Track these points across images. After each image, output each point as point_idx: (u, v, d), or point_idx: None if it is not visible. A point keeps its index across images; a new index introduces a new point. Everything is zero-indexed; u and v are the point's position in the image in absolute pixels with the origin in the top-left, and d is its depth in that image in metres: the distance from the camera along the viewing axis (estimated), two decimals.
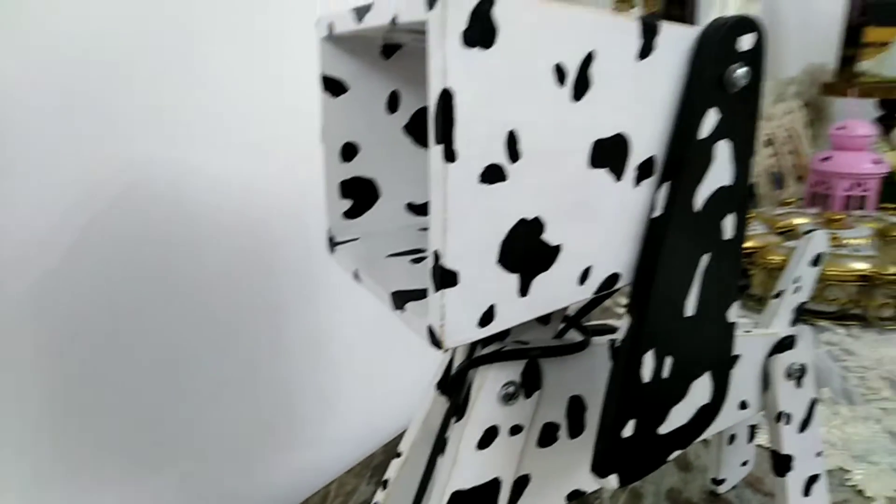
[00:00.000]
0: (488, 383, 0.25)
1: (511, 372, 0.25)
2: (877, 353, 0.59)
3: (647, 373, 0.23)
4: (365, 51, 0.26)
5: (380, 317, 0.50)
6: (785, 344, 0.34)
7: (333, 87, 0.26)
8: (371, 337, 0.50)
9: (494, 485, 0.26)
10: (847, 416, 0.49)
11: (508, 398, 0.25)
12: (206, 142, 0.37)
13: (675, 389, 0.24)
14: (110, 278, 0.33)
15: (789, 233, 0.78)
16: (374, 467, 0.46)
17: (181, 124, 0.35)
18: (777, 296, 0.36)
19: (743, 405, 0.34)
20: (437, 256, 0.18)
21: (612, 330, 0.30)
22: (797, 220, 0.81)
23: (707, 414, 0.26)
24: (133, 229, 0.34)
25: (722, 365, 0.26)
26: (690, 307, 0.24)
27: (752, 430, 0.41)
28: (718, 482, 0.41)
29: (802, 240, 0.35)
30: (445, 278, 0.18)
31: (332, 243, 0.28)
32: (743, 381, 0.34)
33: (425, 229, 0.29)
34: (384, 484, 0.30)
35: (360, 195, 0.28)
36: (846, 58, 1.24)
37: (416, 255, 0.26)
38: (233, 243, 0.39)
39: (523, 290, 0.20)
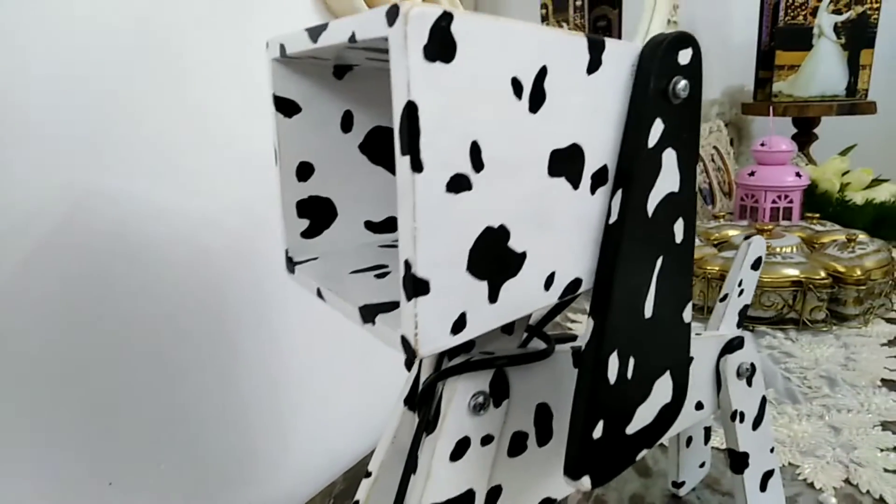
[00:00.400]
0: (458, 395, 0.25)
1: (480, 382, 0.26)
2: (813, 354, 0.62)
3: (612, 374, 0.24)
4: (316, 71, 0.27)
5: (333, 343, 0.49)
6: (734, 344, 0.35)
7: (286, 107, 0.26)
8: (324, 365, 0.49)
9: (469, 496, 0.26)
10: (792, 414, 0.52)
11: (478, 408, 0.26)
12: (149, 170, 0.36)
13: (639, 390, 0.25)
14: (49, 311, 0.32)
15: (724, 244, 0.82)
16: (336, 496, 0.45)
17: (123, 152, 0.35)
18: (723, 299, 0.37)
19: (699, 406, 0.35)
20: (408, 266, 0.18)
21: (573, 338, 0.31)
22: (730, 232, 0.85)
23: (669, 412, 0.27)
24: (73, 261, 0.33)
25: (681, 364, 0.27)
26: (649, 309, 0.24)
27: (708, 431, 0.43)
28: (678, 485, 0.42)
29: (742, 245, 0.37)
30: (418, 287, 0.18)
31: (291, 263, 0.27)
32: (697, 382, 0.35)
33: (385, 246, 0.29)
34: None
35: (317, 214, 0.28)
36: (761, 80, 1.32)
37: (379, 270, 0.26)
38: (178, 275, 0.38)
39: (493, 297, 0.21)
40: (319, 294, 0.25)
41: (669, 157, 0.24)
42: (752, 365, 0.36)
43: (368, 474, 0.29)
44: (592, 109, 0.22)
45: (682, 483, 0.42)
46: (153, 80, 0.36)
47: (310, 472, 0.47)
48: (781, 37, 1.23)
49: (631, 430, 0.25)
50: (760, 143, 0.97)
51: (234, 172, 0.40)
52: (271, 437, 0.45)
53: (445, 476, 0.25)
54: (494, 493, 0.28)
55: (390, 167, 0.29)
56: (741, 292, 0.37)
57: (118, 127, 0.34)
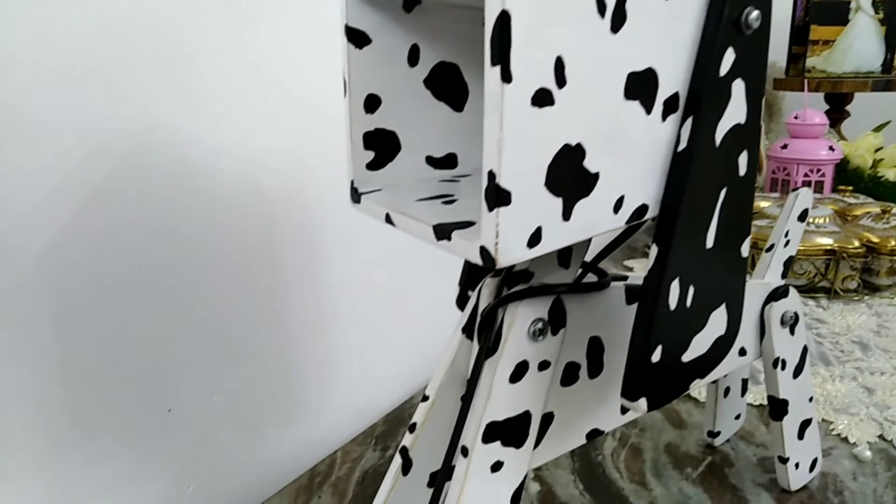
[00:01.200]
0: (519, 320, 0.26)
1: (539, 309, 0.27)
2: (845, 321, 0.62)
3: (672, 301, 0.24)
4: (387, 3, 0.27)
5: (375, 296, 0.51)
6: (779, 293, 0.36)
7: (357, 38, 0.27)
8: (367, 316, 0.50)
9: (525, 417, 0.27)
10: (825, 375, 0.52)
11: (537, 334, 0.26)
12: (208, 111, 0.37)
13: (696, 319, 0.26)
14: (114, 245, 0.33)
15: (756, 214, 0.82)
16: (377, 436, 0.46)
17: (184, 93, 0.36)
18: (769, 250, 0.38)
19: (742, 351, 0.36)
20: (492, 176, 0.19)
21: (625, 278, 0.31)
22: (762, 203, 0.85)
23: (722, 345, 0.28)
24: (138, 192, 0.34)
25: (736, 298, 0.27)
26: (710, 239, 0.25)
27: (745, 384, 0.43)
28: (714, 434, 0.43)
29: (790, 196, 0.37)
30: (500, 197, 0.19)
31: (357, 193, 0.28)
32: (742, 328, 0.36)
33: (446, 181, 0.30)
34: (411, 428, 0.30)
35: (382, 147, 0.29)
36: (795, 55, 1.30)
37: (445, 199, 0.27)
38: (235, 218, 0.39)
39: (566, 215, 0.21)
40: (388, 220, 0.26)
41: (738, 87, 0.24)
42: (796, 314, 0.37)
43: (426, 398, 0.30)
44: (668, 35, 0.22)
45: (718, 433, 0.43)
46: (218, 27, 0.36)
47: (352, 415, 0.48)
48: (817, 11, 1.21)
49: (687, 358, 0.26)
50: (794, 115, 0.97)
51: (285, 121, 0.41)
52: (317, 379, 0.47)
53: (505, 396, 0.26)
54: (547, 419, 0.29)
55: (453, 103, 0.30)
56: (787, 243, 0.38)
57: (180, 68, 0.35)
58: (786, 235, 0.37)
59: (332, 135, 0.44)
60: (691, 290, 0.25)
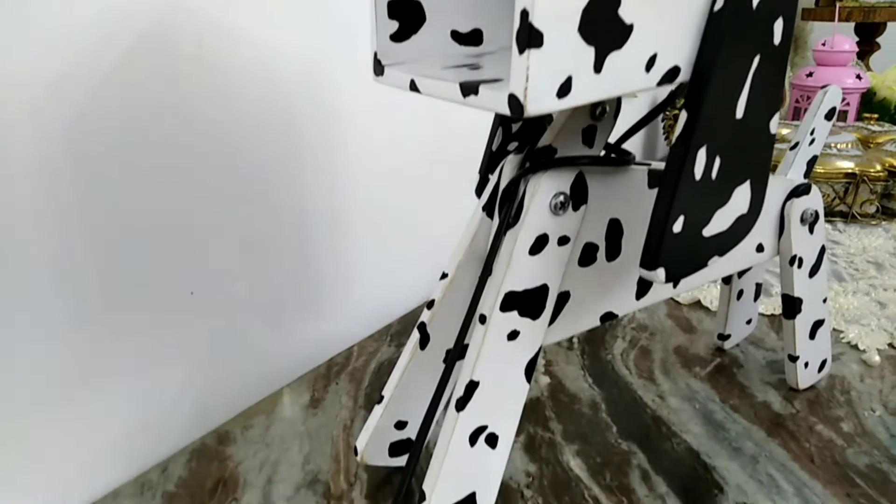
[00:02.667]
0: (541, 191, 0.26)
1: (562, 183, 0.26)
2: (861, 243, 0.62)
3: (698, 170, 0.24)
4: None
5: (394, 201, 0.51)
6: (801, 190, 0.36)
7: None
8: (386, 220, 0.50)
9: (543, 290, 0.27)
10: (838, 290, 0.52)
11: (558, 208, 0.26)
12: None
13: (720, 193, 0.26)
14: (134, 123, 0.33)
15: (777, 141, 0.80)
16: (392, 334, 0.47)
17: None
18: (793, 147, 0.37)
19: (759, 248, 0.36)
20: (524, 15, 0.19)
21: (648, 164, 0.31)
22: (784, 131, 0.83)
23: (743, 224, 0.28)
24: (153, 75, 0.33)
25: (761, 176, 0.27)
26: (740, 109, 0.25)
27: (758, 288, 0.43)
28: (724, 337, 0.43)
29: (819, 94, 0.37)
30: (532, 38, 0.19)
31: (380, 66, 0.28)
32: (760, 224, 0.35)
33: (471, 56, 0.29)
34: (430, 304, 0.31)
35: (406, 17, 0.28)
36: None
37: (471, 66, 0.26)
38: (253, 108, 0.38)
39: (598, 66, 0.21)
40: (413, 86, 0.25)
41: None
42: (816, 212, 0.36)
43: (444, 276, 0.31)
44: None
45: (728, 336, 0.43)
46: None
47: (369, 315, 0.49)
48: None
49: (707, 232, 0.26)
50: (822, 42, 0.94)
51: (302, 14, 0.40)
52: (335, 278, 0.47)
53: (524, 267, 0.26)
54: (563, 297, 0.29)
55: None
56: (812, 141, 0.37)
57: None
58: (811, 133, 0.37)
59: (351, 34, 0.43)
60: (717, 162, 0.25)
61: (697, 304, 0.51)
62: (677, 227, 0.24)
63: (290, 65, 0.40)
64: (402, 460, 0.33)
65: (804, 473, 0.33)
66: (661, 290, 0.33)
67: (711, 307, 0.50)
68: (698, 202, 0.25)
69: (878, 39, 1.25)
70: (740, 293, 0.42)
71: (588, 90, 0.21)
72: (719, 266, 0.35)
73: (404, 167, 0.50)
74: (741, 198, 0.27)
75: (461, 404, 0.27)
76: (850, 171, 0.67)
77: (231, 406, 0.39)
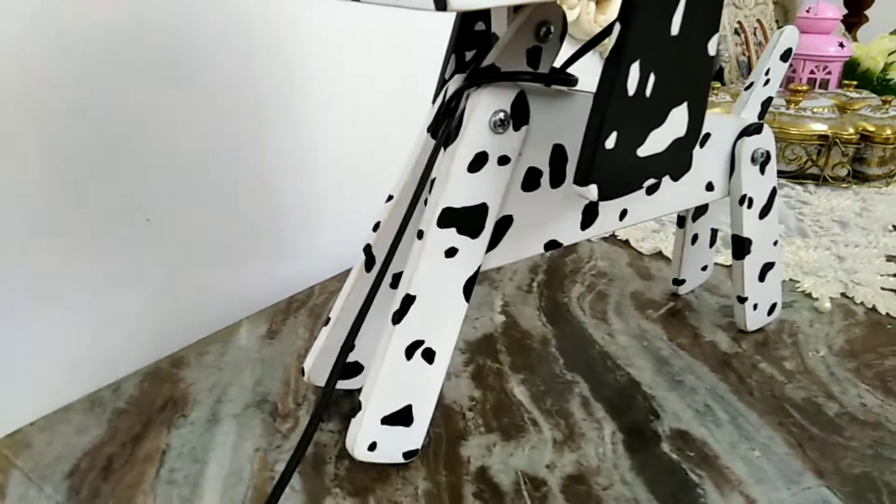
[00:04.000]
0: (480, 108, 0.26)
1: (502, 101, 0.27)
2: (829, 204, 0.63)
3: (631, 85, 0.24)
4: None
5: (357, 147, 0.51)
6: (752, 129, 0.36)
7: None
8: (349, 166, 0.50)
9: (482, 209, 0.28)
10: (800, 244, 0.53)
11: (498, 125, 0.27)
12: None
13: (655, 111, 0.26)
14: (94, 50, 0.33)
15: None
16: None
17: None
18: (748, 88, 0.37)
19: (709, 186, 0.36)
20: None
21: None
22: None
23: (681, 148, 0.28)
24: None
25: (699, 98, 0.27)
26: (675, 26, 0.25)
27: (714, 234, 0.44)
28: (679, 282, 0.44)
29: (775, 34, 0.37)
30: None
31: None
32: (710, 162, 0.36)
33: None
34: (375, 227, 0.31)
35: None
36: None
37: None
38: (214, 45, 0.38)
39: None
40: None
41: None
42: (768, 153, 0.37)
43: (390, 198, 0.31)
44: None
45: (683, 281, 0.44)
46: None
47: (331, 258, 0.49)
48: None
49: (643, 152, 0.26)
50: (806, 9, 0.93)
51: None
52: (298, 221, 0.47)
53: (463, 184, 0.27)
54: (505, 221, 0.29)
55: None
56: (767, 82, 0.37)
57: None
58: (766, 74, 0.37)
59: None
60: (652, 78, 0.25)
61: (659, 255, 0.51)
62: (610, 143, 0.25)
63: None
64: (350, 383, 0.34)
65: (741, 405, 0.33)
66: (607, 221, 0.33)
67: (671, 254, 0.51)
68: (632, 120, 0.25)
69: (867, 12, 1.24)
70: (695, 238, 0.43)
71: None
72: (666, 201, 0.35)
73: (370, 108, 0.50)
74: (678, 120, 0.27)
75: (397, 317, 0.27)
76: (823, 133, 0.68)
77: (188, 335, 0.40)
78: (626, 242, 0.53)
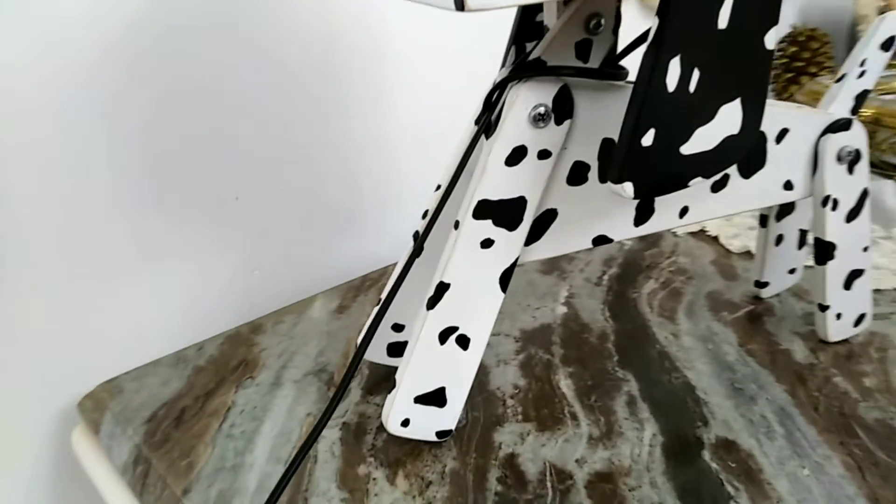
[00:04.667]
0: (520, 101, 0.27)
1: (543, 94, 0.27)
2: None
3: (671, 81, 0.24)
4: None
5: (440, 132, 0.52)
6: (839, 125, 0.33)
7: None
8: (432, 150, 0.52)
9: (520, 202, 0.28)
10: None
11: (538, 119, 0.27)
12: None
13: (701, 108, 0.25)
14: (188, 44, 0.36)
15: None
16: None
17: None
18: (840, 80, 0.34)
19: (788, 185, 0.34)
20: None
21: None
22: None
23: (734, 147, 0.27)
24: None
25: (755, 95, 0.26)
26: (724, 19, 0.24)
27: (803, 235, 0.41)
28: (761, 285, 0.42)
29: (875, 21, 0.33)
30: None
31: None
32: (789, 159, 0.34)
33: None
34: (424, 215, 0.32)
35: None
36: None
37: None
38: (306, 26, 0.41)
39: None
40: None
41: None
42: (857, 152, 0.34)
43: (438, 187, 0.32)
44: None
45: (766, 284, 0.41)
46: None
47: (404, 241, 0.51)
48: None
49: (687, 150, 0.25)
50: None
51: None
52: (379, 201, 0.50)
53: (499, 177, 0.27)
54: (549, 215, 0.30)
55: None
56: (862, 73, 0.34)
57: None
58: (861, 65, 0.34)
59: None
60: (696, 74, 0.24)
61: (748, 254, 0.48)
62: (647, 140, 0.24)
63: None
64: (399, 361, 0.35)
65: (802, 419, 0.31)
66: (664, 218, 0.32)
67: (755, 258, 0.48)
68: (674, 117, 0.24)
69: None
70: (779, 238, 0.40)
71: None
72: (736, 199, 0.33)
73: (452, 94, 0.51)
74: (730, 117, 0.26)
75: (431, 303, 0.28)
76: None
77: (268, 304, 0.43)
78: (716, 239, 0.51)
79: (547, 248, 0.30)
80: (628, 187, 0.25)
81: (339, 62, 0.44)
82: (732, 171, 0.33)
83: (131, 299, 0.38)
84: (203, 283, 0.42)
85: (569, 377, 0.35)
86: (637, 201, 0.31)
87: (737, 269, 0.46)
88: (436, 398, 0.30)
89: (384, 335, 0.35)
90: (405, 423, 0.29)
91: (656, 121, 0.24)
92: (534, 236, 0.30)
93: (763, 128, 0.32)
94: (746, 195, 0.34)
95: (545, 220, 0.30)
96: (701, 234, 0.52)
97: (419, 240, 0.32)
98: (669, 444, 0.30)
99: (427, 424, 0.30)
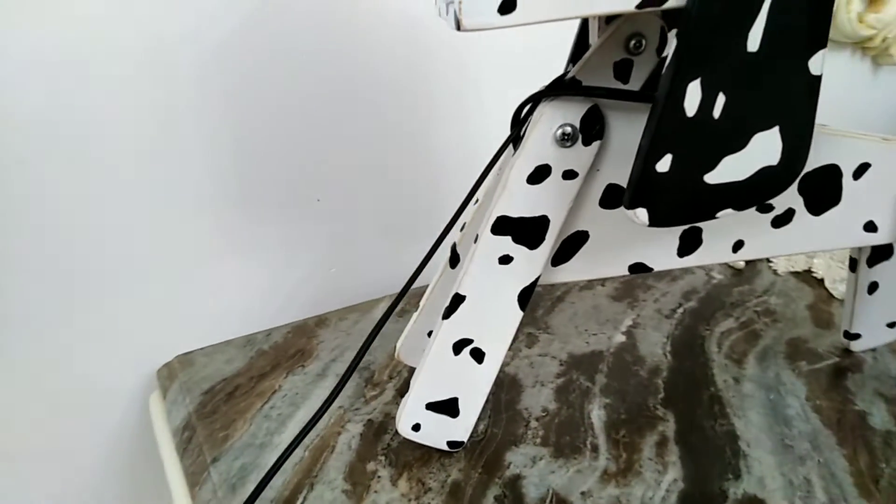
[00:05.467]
0: (544, 119, 0.26)
1: (570, 114, 0.26)
2: None
3: (691, 106, 0.22)
4: None
5: None
6: None
7: None
8: None
9: (542, 222, 0.28)
10: None
11: (564, 139, 0.26)
12: None
13: (730, 135, 0.23)
14: (277, 62, 0.40)
15: None
16: None
17: None
18: None
19: (869, 226, 0.30)
20: None
21: None
22: None
23: (773, 179, 0.25)
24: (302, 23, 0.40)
25: (798, 124, 0.24)
26: (754, 42, 0.22)
27: None
28: (852, 336, 0.37)
29: None
30: None
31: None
32: (872, 196, 0.30)
33: None
34: (462, 227, 0.33)
35: None
36: None
37: None
38: (394, 40, 0.43)
39: None
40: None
41: None
42: None
43: (477, 201, 0.33)
44: None
45: (857, 336, 0.37)
46: None
47: None
48: None
49: (713, 179, 0.24)
50: None
51: None
52: (453, 210, 0.51)
53: (520, 195, 0.27)
54: (580, 237, 0.29)
55: None
56: None
57: None
58: None
59: None
60: (721, 99, 0.23)
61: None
62: (662, 166, 0.23)
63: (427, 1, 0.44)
64: None
65: (854, 490, 0.28)
66: (714, 251, 0.30)
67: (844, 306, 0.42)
68: (695, 143, 0.23)
69: None
70: (873, 286, 0.35)
71: (538, 8, 0.21)
72: (802, 237, 0.30)
73: None
74: (766, 146, 0.24)
75: (447, 313, 0.29)
76: None
77: (338, 301, 0.46)
78: (821, 282, 0.46)
79: (578, 270, 0.30)
80: (641, 213, 0.24)
81: (424, 75, 0.45)
82: (798, 206, 0.30)
83: (216, 285, 0.43)
84: (281, 276, 0.45)
85: (603, 408, 0.34)
86: (682, 230, 0.30)
87: (835, 317, 0.42)
88: (448, 408, 0.30)
89: (420, 339, 0.36)
90: (416, 427, 0.30)
91: (674, 146, 0.23)
92: (563, 257, 0.29)
93: (837, 160, 0.29)
94: (817, 234, 0.31)
95: (575, 241, 0.29)
96: (805, 275, 0.47)
97: (452, 250, 0.33)
98: (689, 492, 0.28)
99: (438, 432, 0.30)
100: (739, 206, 0.25)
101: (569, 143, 0.27)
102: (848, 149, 0.29)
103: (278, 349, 0.40)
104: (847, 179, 0.29)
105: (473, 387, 0.30)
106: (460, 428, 0.30)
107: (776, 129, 0.24)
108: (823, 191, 0.30)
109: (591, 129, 0.27)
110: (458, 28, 0.21)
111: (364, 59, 0.43)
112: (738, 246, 0.30)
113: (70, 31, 0.33)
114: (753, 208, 0.29)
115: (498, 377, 0.32)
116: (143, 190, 0.38)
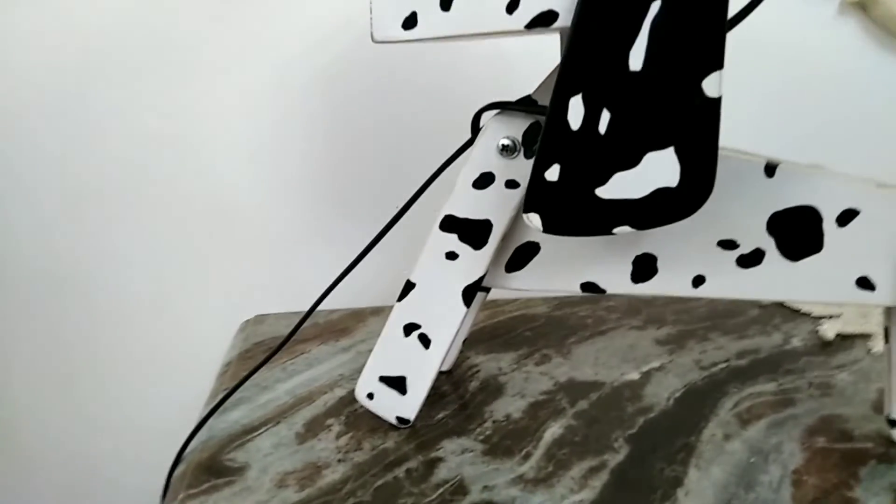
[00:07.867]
0: (490, 131, 0.29)
1: (513, 128, 0.29)
2: None
3: (574, 120, 0.24)
4: None
5: None
6: None
7: None
8: None
9: (485, 225, 0.30)
10: None
11: (506, 150, 0.29)
12: None
13: (619, 152, 0.24)
14: (370, 99, 0.47)
15: None
16: (563, 300, 0.50)
17: None
18: None
19: (864, 283, 0.27)
20: None
21: None
22: None
23: (673, 201, 0.24)
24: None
25: (698, 146, 0.23)
26: (636, 61, 0.23)
27: None
28: (894, 423, 0.32)
29: None
30: None
31: None
32: (863, 248, 0.26)
33: None
34: None
35: None
36: None
37: None
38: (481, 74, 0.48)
39: (445, 5, 0.24)
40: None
41: None
42: None
43: None
44: None
45: None
46: None
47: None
48: None
49: (605, 194, 0.24)
50: None
51: None
52: None
53: (466, 197, 0.30)
54: (531, 247, 0.31)
55: None
56: None
57: None
58: None
59: None
60: (605, 115, 0.24)
61: None
62: (551, 175, 0.25)
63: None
64: None
65: None
66: (671, 283, 0.29)
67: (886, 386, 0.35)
68: (582, 155, 0.24)
69: None
70: None
71: (436, 25, 0.25)
72: (777, 284, 0.28)
73: None
74: (661, 166, 0.24)
75: (399, 297, 0.32)
76: None
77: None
78: None
79: (530, 280, 0.31)
80: (535, 218, 0.25)
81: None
82: (769, 247, 0.28)
83: (303, 265, 0.51)
84: (357, 268, 0.52)
85: (563, 427, 0.34)
86: (634, 255, 0.29)
87: (874, 392, 0.35)
88: (397, 384, 0.33)
89: None
90: (370, 396, 0.34)
91: (560, 157, 0.24)
92: (516, 265, 0.31)
93: (814, 202, 0.27)
94: (797, 282, 0.28)
95: (526, 251, 0.31)
96: None
97: None
98: None
99: (389, 405, 0.34)
100: (638, 226, 0.25)
101: (511, 155, 0.29)
102: (827, 191, 0.26)
103: (330, 325, 0.47)
104: (829, 225, 0.27)
105: (419, 369, 0.33)
106: (407, 406, 0.33)
107: (671, 149, 0.23)
108: (798, 234, 0.27)
109: (533, 144, 0.28)
110: (372, 39, 0.25)
111: (456, 92, 0.48)
112: (698, 281, 0.29)
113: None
114: (713, 242, 0.28)
115: (487, 382, 0.35)
116: (251, 183, 0.48)
